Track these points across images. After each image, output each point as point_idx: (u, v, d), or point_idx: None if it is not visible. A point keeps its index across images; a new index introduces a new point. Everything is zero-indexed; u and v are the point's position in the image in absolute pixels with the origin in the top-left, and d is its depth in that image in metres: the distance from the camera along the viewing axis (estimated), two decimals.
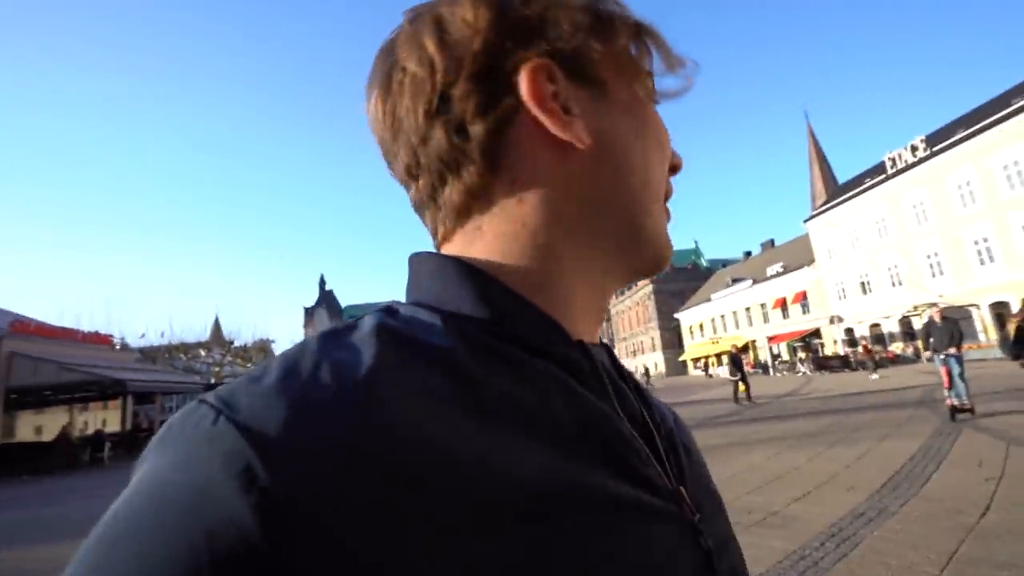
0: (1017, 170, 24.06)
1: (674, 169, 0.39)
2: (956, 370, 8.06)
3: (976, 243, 26.24)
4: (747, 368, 41.68)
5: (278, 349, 42.89)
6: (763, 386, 22.75)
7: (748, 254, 60.23)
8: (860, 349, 26.09)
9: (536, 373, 0.29)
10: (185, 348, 28.25)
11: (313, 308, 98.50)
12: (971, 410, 7.97)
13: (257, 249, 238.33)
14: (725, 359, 19.72)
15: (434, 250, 0.36)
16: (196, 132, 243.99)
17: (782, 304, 41.63)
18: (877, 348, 29.89)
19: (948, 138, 28.20)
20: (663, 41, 0.36)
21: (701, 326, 53.72)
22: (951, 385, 8.13)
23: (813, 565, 3.15)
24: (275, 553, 0.19)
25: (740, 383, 15.07)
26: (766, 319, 43.84)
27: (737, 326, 47.73)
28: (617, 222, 0.34)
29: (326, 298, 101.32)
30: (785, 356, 40.68)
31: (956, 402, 8.04)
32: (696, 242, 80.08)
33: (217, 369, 28.71)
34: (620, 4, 0.36)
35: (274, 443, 0.21)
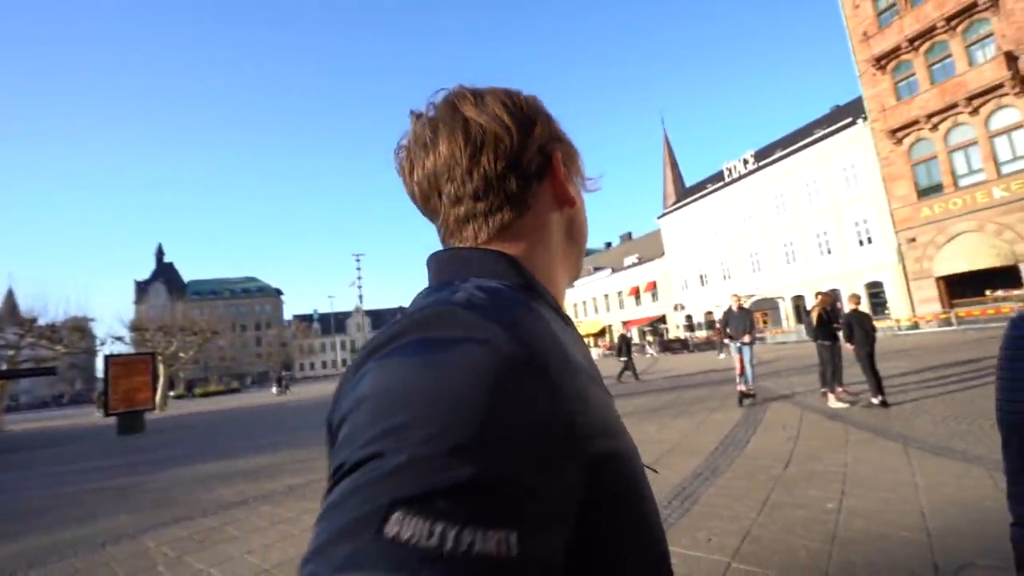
0: (816, 188, 29.33)
1: None
2: (748, 357, 8.33)
3: (784, 246, 31.57)
4: (605, 349, 45.36)
5: (99, 328, 36.43)
6: (617, 366, 24.99)
7: (609, 245, 65.45)
8: (715, 332, 28.14)
9: (572, 327, 0.48)
10: None
11: (148, 282, 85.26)
12: (754, 395, 8.38)
13: (72, 210, 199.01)
14: (615, 341, 19.63)
15: (443, 247, 0.54)
16: None
17: (636, 292, 46.08)
18: (712, 332, 34.61)
19: (770, 155, 33.33)
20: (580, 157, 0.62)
21: None
22: (743, 371, 8.36)
23: (663, 521, 3.58)
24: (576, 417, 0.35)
25: (627, 363, 15.51)
26: (622, 305, 48.18)
27: (596, 311, 51.77)
28: (577, 250, 0.59)
29: (164, 271, 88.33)
30: (636, 339, 45.20)
31: (744, 387, 8.29)
32: None
33: (11, 353, 23.29)
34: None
35: (550, 350, 0.37)
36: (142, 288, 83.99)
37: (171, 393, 39.29)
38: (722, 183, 36.54)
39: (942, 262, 22.59)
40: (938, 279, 22.79)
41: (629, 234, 60.08)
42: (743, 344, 8.43)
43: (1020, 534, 0.87)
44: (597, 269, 52.54)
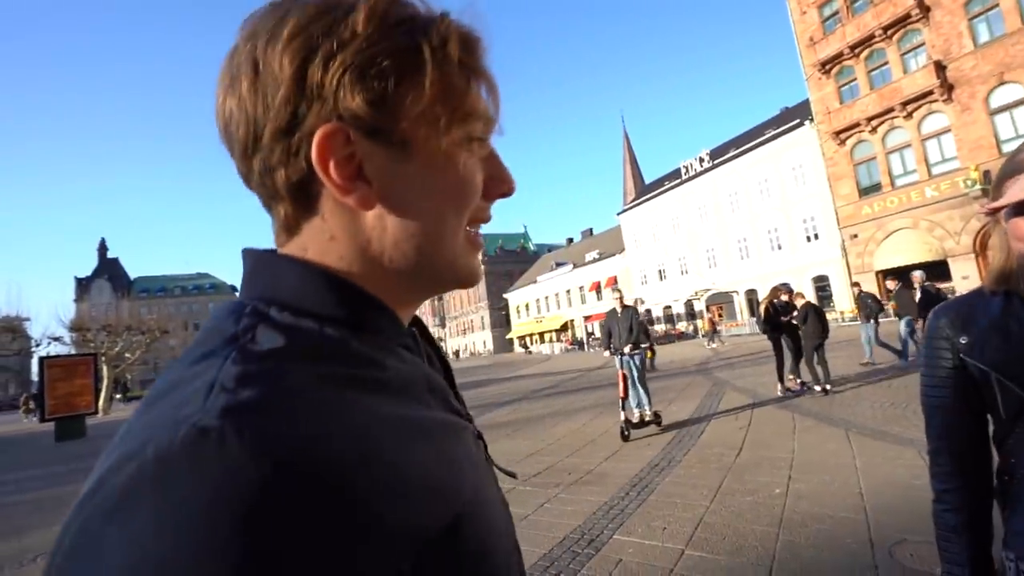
0: (767, 186, 30.53)
1: (504, 195, 0.42)
2: (635, 373, 6.32)
3: (738, 242, 32.74)
4: (566, 345, 45.69)
5: (35, 329, 34.07)
6: (580, 360, 25.39)
7: (571, 240, 66.12)
8: (707, 322, 26.92)
9: (401, 357, 0.37)
10: None
11: (90, 279, 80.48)
12: (656, 421, 6.22)
13: (2, 199, 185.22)
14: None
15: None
16: None
17: (597, 287, 46.76)
18: (670, 326, 35.63)
19: (724, 154, 34.44)
20: (494, 87, 0.40)
21: (527, 306, 57.59)
22: (627, 394, 6.23)
23: (620, 512, 3.66)
24: None
25: (648, 350, 13.65)
26: (583, 300, 48.81)
27: (559, 306, 52.29)
28: (408, 263, 0.37)
29: (108, 267, 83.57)
30: (597, 334, 45.92)
31: (636, 415, 6.20)
32: (525, 227, 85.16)
33: None
34: (456, 30, 0.37)
35: None
36: (83, 285, 79.18)
37: (116, 396, 37.17)
38: (679, 180, 37.49)
39: (881, 257, 23.96)
40: (877, 273, 24.15)
41: (590, 230, 60.86)
42: (625, 356, 6.37)
43: (939, 510, 0.92)
44: (559, 265, 52.98)
